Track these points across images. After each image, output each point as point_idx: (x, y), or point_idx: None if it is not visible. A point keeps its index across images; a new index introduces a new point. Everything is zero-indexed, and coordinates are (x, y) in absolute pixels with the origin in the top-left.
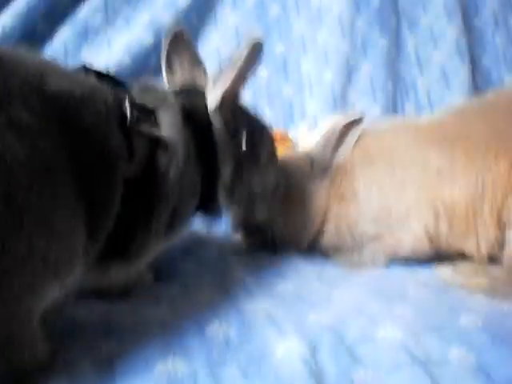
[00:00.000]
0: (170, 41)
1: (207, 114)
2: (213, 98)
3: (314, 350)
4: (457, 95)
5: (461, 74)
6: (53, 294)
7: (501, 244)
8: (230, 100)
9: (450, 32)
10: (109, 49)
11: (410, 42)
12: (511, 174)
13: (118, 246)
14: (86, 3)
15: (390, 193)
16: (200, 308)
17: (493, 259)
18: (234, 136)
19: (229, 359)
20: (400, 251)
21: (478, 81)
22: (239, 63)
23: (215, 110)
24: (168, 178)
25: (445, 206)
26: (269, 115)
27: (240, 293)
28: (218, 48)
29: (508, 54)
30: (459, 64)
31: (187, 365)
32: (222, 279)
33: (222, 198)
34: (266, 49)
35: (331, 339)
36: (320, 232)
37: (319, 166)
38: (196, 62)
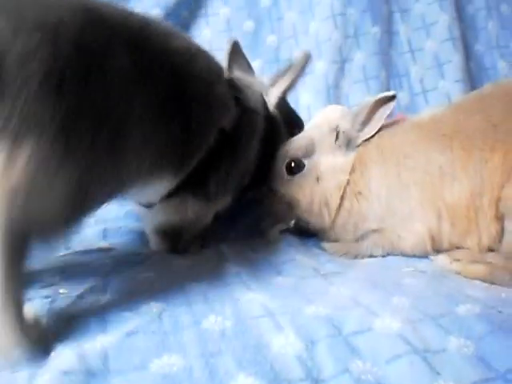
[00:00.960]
0: (229, 50)
1: (268, 109)
2: (274, 96)
3: (310, 342)
4: (450, 82)
5: (454, 60)
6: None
7: (501, 235)
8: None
9: (443, 19)
10: None
11: (402, 30)
12: (505, 164)
13: (196, 185)
14: None
15: (396, 194)
16: (196, 300)
17: (491, 249)
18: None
19: (224, 350)
20: (399, 248)
21: (472, 67)
22: (296, 72)
23: (275, 105)
24: (249, 137)
25: (447, 206)
26: None
27: (236, 285)
28: (209, 41)
29: (501, 40)
30: (452, 51)
31: (182, 358)
32: (219, 272)
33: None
34: (257, 40)
35: (328, 331)
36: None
37: (345, 139)
38: (250, 68)
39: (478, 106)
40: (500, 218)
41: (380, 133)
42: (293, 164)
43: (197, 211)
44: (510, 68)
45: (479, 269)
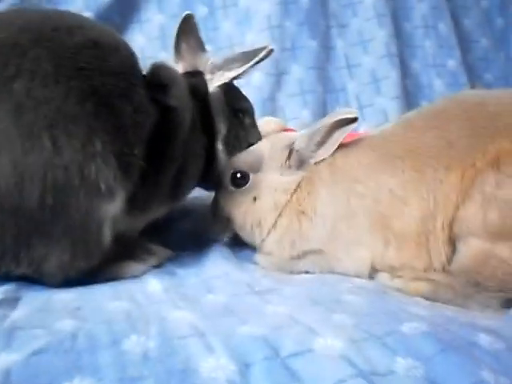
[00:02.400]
0: (180, 26)
1: (207, 91)
2: (222, 78)
3: (244, 365)
4: (387, 99)
5: (391, 77)
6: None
7: (450, 258)
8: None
9: (380, 35)
10: None
11: (339, 45)
12: (463, 183)
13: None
14: None
15: (344, 219)
16: (116, 318)
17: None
18: (230, 107)
19: (146, 375)
20: (338, 270)
21: (408, 84)
22: (252, 60)
23: (220, 86)
24: (176, 139)
25: (395, 233)
26: None
27: (163, 304)
28: (142, 47)
29: (438, 59)
30: (389, 68)
31: (97, 381)
32: (143, 289)
33: (220, 152)
34: None
35: (264, 353)
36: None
37: (297, 158)
38: (200, 46)
39: (431, 122)
40: (452, 240)
41: (334, 151)
42: (238, 175)
43: (127, 222)
44: (446, 86)
45: (422, 286)
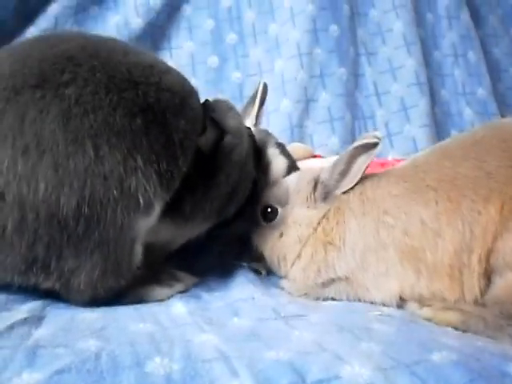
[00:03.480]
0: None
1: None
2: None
3: None
4: (416, 127)
5: (420, 105)
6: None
7: (484, 291)
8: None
9: (410, 64)
10: None
11: (368, 73)
12: (502, 214)
13: (171, 205)
14: None
15: (373, 251)
16: (140, 340)
17: None
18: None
19: None
20: (366, 299)
21: (437, 113)
22: (259, 103)
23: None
24: (231, 160)
25: (427, 265)
26: None
27: (188, 326)
28: None
29: (467, 87)
30: (418, 96)
31: None
32: (169, 311)
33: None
34: (222, 76)
35: (289, 378)
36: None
37: (322, 191)
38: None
39: (468, 151)
40: (488, 274)
41: (364, 181)
42: (268, 210)
43: (171, 232)
44: (476, 115)
45: (452, 316)
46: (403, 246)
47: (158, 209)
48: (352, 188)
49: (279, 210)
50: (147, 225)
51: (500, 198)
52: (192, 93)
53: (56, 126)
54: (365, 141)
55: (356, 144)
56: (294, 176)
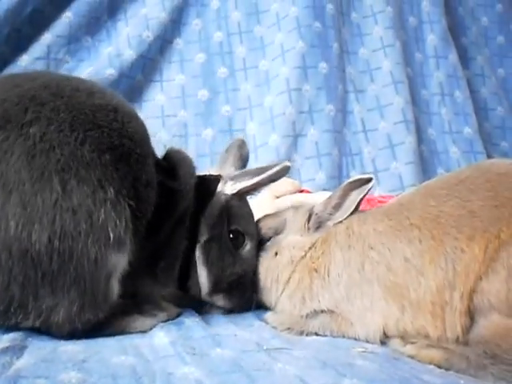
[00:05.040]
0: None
1: (214, 192)
2: (229, 187)
3: None
4: (402, 164)
5: (406, 143)
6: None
7: (466, 330)
8: (241, 195)
9: (397, 101)
10: None
11: (356, 110)
12: (487, 254)
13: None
14: None
15: (358, 285)
16: (122, 373)
17: None
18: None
19: None
20: (349, 335)
21: (424, 150)
22: (265, 176)
23: (231, 194)
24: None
25: (411, 302)
26: None
27: (169, 358)
28: (162, 106)
29: (453, 126)
30: (405, 133)
31: None
32: (151, 342)
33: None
34: (212, 109)
35: None
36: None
37: (316, 222)
38: (238, 162)
39: (452, 191)
40: (471, 313)
41: (351, 216)
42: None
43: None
44: (462, 153)
45: (435, 354)
46: (387, 281)
47: (130, 247)
48: (340, 221)
49: (276, 237)
50: (122, 262)
51: (484, 237)
52: (149, 140)
53: (21, 165)
54: (359, 176)
55: (350, 179)
56: (290, 209)
